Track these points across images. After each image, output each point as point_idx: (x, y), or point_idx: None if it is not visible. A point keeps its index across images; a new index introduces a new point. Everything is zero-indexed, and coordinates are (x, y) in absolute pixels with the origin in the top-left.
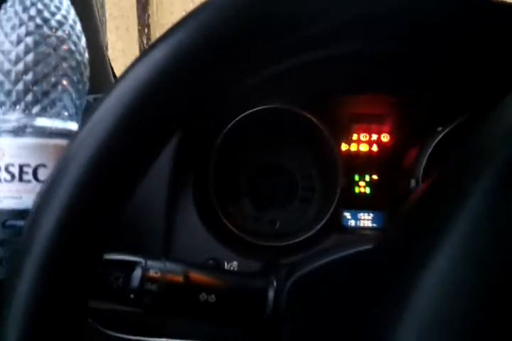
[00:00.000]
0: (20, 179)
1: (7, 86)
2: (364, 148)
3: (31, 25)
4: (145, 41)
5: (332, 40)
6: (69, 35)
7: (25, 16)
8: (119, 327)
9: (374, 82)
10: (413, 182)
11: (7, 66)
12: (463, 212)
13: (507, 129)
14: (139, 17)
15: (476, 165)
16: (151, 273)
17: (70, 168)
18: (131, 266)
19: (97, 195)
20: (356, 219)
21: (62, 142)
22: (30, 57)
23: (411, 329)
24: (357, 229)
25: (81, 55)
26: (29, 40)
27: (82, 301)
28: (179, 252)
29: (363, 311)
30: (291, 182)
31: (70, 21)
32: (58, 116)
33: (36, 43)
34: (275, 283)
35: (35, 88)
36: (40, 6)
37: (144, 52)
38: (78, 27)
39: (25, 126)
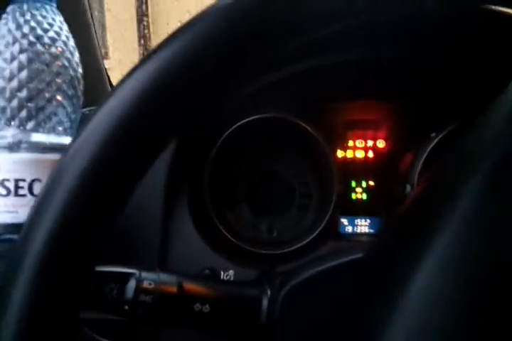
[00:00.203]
0: (16, 193)
1: (1, 103)
2: (360, 154)
3: (25, 43)
4: (141, 51)
5: (331, 49)
6: (62, 51)
7: (18, 34)
8: (115, 335)
9: (369, 88)
10: (408, 187)
11: (1, 83)
12: (452, 215)
13: (495, 133)
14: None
15: (465, 169)
16: (145, 284)
17: (62, 181)
18: (125, 277)
19: (90, 207)
20: (353, 225)
21: (57, 157)
22: (24, 74)
23: (400, 333)
24: (354, 235)
25: (74, 70)
26: (23, 57)
27: (74, 311)
28: (175, 262)
29: (354, 316)
30: (288, 189)
31: (63, 37)
32: (53, 130)
33: (30, 60)
34: (269, 292)
35: (29, 104)
36: (33, 23)
37: (137, 65)
38: (71, 43)
39: (20, 142)
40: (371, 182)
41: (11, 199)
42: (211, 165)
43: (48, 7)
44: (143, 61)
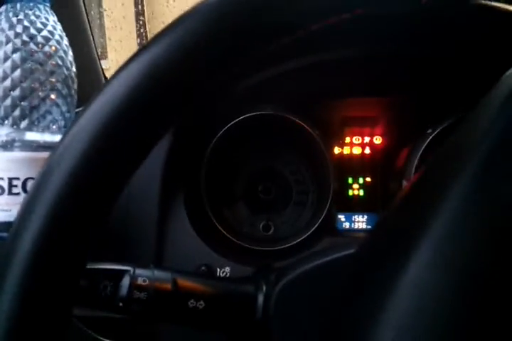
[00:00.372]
0: (10, 192)
1: None
2: (357, 150)
3: (18, 42)
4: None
5: (327, 45)
6: (55, 50)
7: (11, 33)
8: (113, 333)
9: (365, 84)
10: (405, 183)
11: None
12: (441, 210)
13: (483, 129)
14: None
15: (454, 165)
16: (140, 281)
17: (51, 178)
18: (120, 274)
19: (79, 204)
20: (350, 221)
21: None
22: (17, 73)
23: (387, 332)
24: (351, 231)
25: (68, 69)
26: (16, 56)
27: (65, 309)
28: (171, 259)
29: (343, 313)
30: (285, 186)
31: (57, 37)
32: (47, 129)
33: (23, 60)
34: (264, 288)
35: (22, 103)
36: (26, 23)
37: (128, 60)
38: (65, 42)
39: (13, 140)
40: (368, 179)
41: (5, 197)
42: (208, 162)
43: (41, 6)
44: (134, 57)
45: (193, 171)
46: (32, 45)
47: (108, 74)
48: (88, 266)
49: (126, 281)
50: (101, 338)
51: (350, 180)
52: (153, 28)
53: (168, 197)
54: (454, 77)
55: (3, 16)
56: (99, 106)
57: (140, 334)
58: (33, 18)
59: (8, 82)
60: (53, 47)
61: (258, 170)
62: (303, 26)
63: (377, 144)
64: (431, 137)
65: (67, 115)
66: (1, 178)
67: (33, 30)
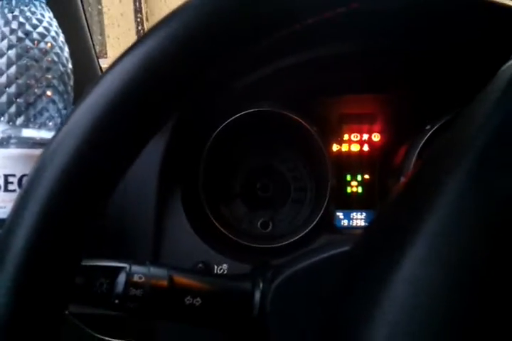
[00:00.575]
0: (6, 189)
1: None
2: (355, 148)
3: (13, 39)
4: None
5: (324, 41)
6: (51, 46)
7: (6, 30)
8: (110, 330)
9: (363, 81)
10: (403, 180)
11: None
12: (436, 206)
13: (480, 125)
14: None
15: (448, 163)
16: (136, 278)
17: (44, 174)
18: (116, 271)
19: (73, 200)
20: (349, 218)
21: None
22: (12, 69)
23: (382, 328)
24: (350, 228)
25: (64, 65)
26: (11, 53)
27: (58, 306)
28: (168, 256)
29: (338, 310)
30: (283, 183)
31: (52, 33)
32: (44, 126)
33: (18, 56)
34: (261, 285)
35: (18, 100)
36: (21, 19)
37: (123, 54)
38: (61, 38)
39: (9, 137)
40: (366, 176)
41: (1, 194)
42: (205, 159)
43: (36, 3)
44: (127, 51)
45: (190, 168)
46: (27, 42)
47: None
48: (84, 263)
49: (122, 278)
50: (98, 335)
51: (348, 177)
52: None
53: (165, 194)
54: (451, 73)
55: None
56: (92, 101)
57: (137, 331)
58: (28, 14)
59: (3, 79)
60: (49, 44)
61: (256, 167)
62: (297, 20)
63: (375, 141)
64: (429, 133)
65: (64, 112)
66: None
67: (28, 27)
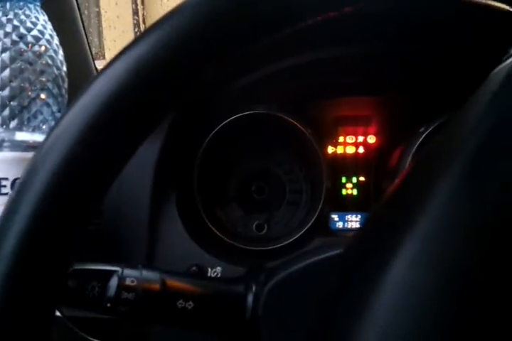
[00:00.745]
0: None
1: None
2: (350, 150)
3: (7, 42)
4: None
5: (321, 44)
6: (45, 49)
7: (1, 33)
8: (103, 334)
9: (358, 84)
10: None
11: None
12: (426, 210)
13: (472, 127)
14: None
15: (441, 164)
16: (128, 281)
17: (35, 177)
18: (108, 275)
19: (63, 204)
20: (344, 221)
21: None
22: (6, 72)
23: (372, 330)
24: (345, 230)
25: (59, 68)
26: (5, 56)
27: (49, 310)
28: (163, 260)
29: (329, 312)
30: (278, 186)
31: (47, 36)
32: (38, 129)
33: (12, 59)
34: (254, 288)
35: (12, 103)
36: (16, 22)
37: (116, 56)
38: (55, 41)
39: (3, 140)
40: (362, 178)
41: None
42: (200, 162)
43: (31, 6)
44: (121, 53)
45: (185, 171)
46: (21, 45)
47: None
48: (76, 267)
49: (114, 282)
50: (91, 338)
51: (343, 180)
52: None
53: (159, 197)
54: (446, 76)
55: None
56: (84, 103)
57: (131, 335)
58: (22, 17)
59: None
60: (43, 47)
61: (251, 169)
62: (288, 24)
63: (370, 143)
64: (423, 136)
65: (58, 115)
66: None
67: (22, 30)
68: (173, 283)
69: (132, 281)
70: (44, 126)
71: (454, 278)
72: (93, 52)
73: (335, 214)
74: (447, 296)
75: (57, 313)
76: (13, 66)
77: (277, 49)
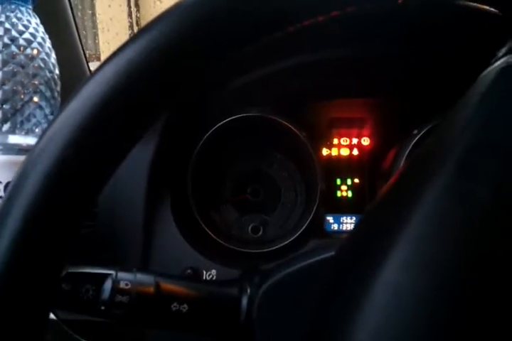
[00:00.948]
0: None
1: None
2: (345, 152)
3: None
4: None
5: (316, 45)
6: (38, 52)
7: None
8: (98, 337)
9: (352, 86)
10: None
11: None
12: (417, 212)
13: (461, 129)
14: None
15: (431, 166)
16: (122, 284)
17: (27, 180)
18: (102, 278)
19: (55, 207)
20: (339, 223)
21: None
22: None
23: (363, 332)
24: (340, 232)
25: (51, 71)
26: None
27: (42, 313)
28: (157, 263)
29: (321, 314)
30: (273, 188)
31: (39, 39)
32: (31, 132)
33: (4, 62)
34: (249, 291)
35: (4, 106)
36: (7, 25)
37: (109, 57)
38: (48, 44)
39: None
40: (356, 180)
41: None
42: (195, 164)
43: (23, 9)
44: (113, 55)
45: (179, 173)
46: (13, 48)
47: None
48: (70, 270)
49: (108, 285)
50: None
51: (338, 182)
52: None
53: (154, 200)
54: (439, 79)
55: None
56: (76, 106)
57: (125, 338)
58: (14, 20)
59: None
60: (35, 50)
61: (246, 171)
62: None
63: (365, 145)
64: (417, 138)
65: (51, 118)
66: None
67: (14, 33)
68: (168, 286)
69: (126, 284)
70: (37, 129)
71: (447, 278)
72: (88, 55)
73: (330, 216)
74: (440, 296)
75: (52, 316)
76: (5, 69)
77: (271, 51)
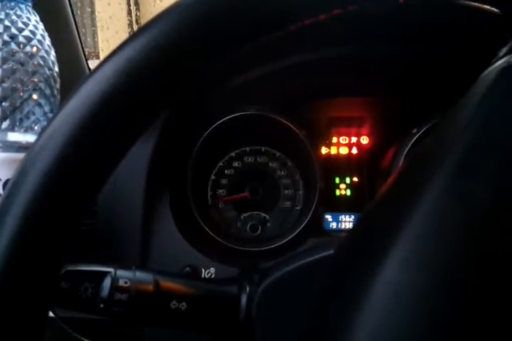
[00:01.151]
0: None
1: None
2: (344, 151)
3: None
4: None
5: (317, 42)
6: (37, 50)
7: None
8: (97, 334)
9: (352, 85)
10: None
11: None
12: (416, 211)
13: (461, 129)
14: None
15: (430, 165)
16: (121, 282)
17: (26, 178)
18: (101, 276)
19: (54, 205)
20: (337, 221)
21: None
22: None
23: (363, 331)
24: (338, 231)
25: (50, 69)
26: None
27: (41, 311)
28: (156, 260)
29: (321, 312)
30: (272, 186)
31: (38, 36)
32: (30, 130)
33: (4, 60)
34: (248, 289)
35: (4, 104)
36: (7, 22)
37: (109, 55)
38: (47, 42)
39: None
40: (355, 179)
41: None
42: (194, 162)
43: (22, 6)
44: (113, 53)
45: (178, 171)
46: (13, 45)
47: None
48: (69, 268)
49: (107, 283)
50: (84, 339)
51: (337, 180)
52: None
53: (153, 198)
54: (438, 78)
55: None
56: (75, 104)
57: (124, 335)
58: (14, 17)
59: None
60: (35, 47)
61: (245, 170)
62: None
63: (364, 144)
64: (416, 137)
65: (50, 115)
66: None
67: (14, 30)
68: (167, 284)
69: (125, 282)
70: (36, 127)
71: (446, 277)
72: (87, 52)
73: (329, 214)
74: (440, 295)
75: (50, 314)
76: (4, 67)
77: (272, 49)
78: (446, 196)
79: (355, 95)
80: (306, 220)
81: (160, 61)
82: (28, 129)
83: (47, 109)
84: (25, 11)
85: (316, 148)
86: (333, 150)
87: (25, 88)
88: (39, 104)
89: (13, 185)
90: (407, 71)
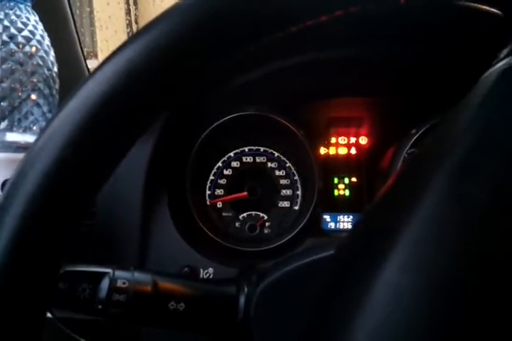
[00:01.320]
0: None
1: None
2: (342, 151)
3: None
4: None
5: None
6: (36, 50)
7: None
8: (95, 335)
9: (351, 85)
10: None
11: None
12: (416, 213)
13: (462, 130)
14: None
15: (430, 167)
16: (119, 283)
17: (25, 179)
18: (99, 276)
19: (53, 205)
20: (336, 221)
21: None
22: None
23: (362, 331)
24: (337, 231)
25: (49, 69)
26: None
27: (39, 311)
28: (155, 261)
29: (320, 313)
30: (271, 186)
31: (38, 36)
32: (28, 130)
33: (2, 59)
34: (246, 289)
35: (2, 103)
36: (6, 22)
37: (108, 57)
38: (46, 42)
39: None
40: (354, 179)
41: None
42: (193, 163)
43: (22, 6)
44: (113, 53)
45: (177, 172)
46: (12, 45)
47: None
48: (67, 268)
49: (105, 283)
50: (82, 340)
51: (335, 180)
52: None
53: (151, 199)
54: (438, 79)
55: None
56: (75, 105)
57: (122, 336)
58: (13, 17)
59: None
60: (34, 48)
61: (244, 170)
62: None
63: (362, 144)
64: (415, 137)
65: (49, 115)
66: None
67: (13, 30)
68: (165, 284)
69: (124, 283)
70: (35, 127)
71: (446, 278)
72: (85, 52)
73: (327, 214)
74: (440, 297)
75: (48, 314)
76: (3, 67)
77: (273, 50)
78: (445, 199)
79: (354, 95)
80: (305, 220)
81: (160, 62)
82: (26, 129)
83: (45, 109)
84: (24, 11)
85: (314, 148)
86: (332, 151)
87: (24, 88)
88: (38, 104)
89: (12, 186)
90: (407, 72)
